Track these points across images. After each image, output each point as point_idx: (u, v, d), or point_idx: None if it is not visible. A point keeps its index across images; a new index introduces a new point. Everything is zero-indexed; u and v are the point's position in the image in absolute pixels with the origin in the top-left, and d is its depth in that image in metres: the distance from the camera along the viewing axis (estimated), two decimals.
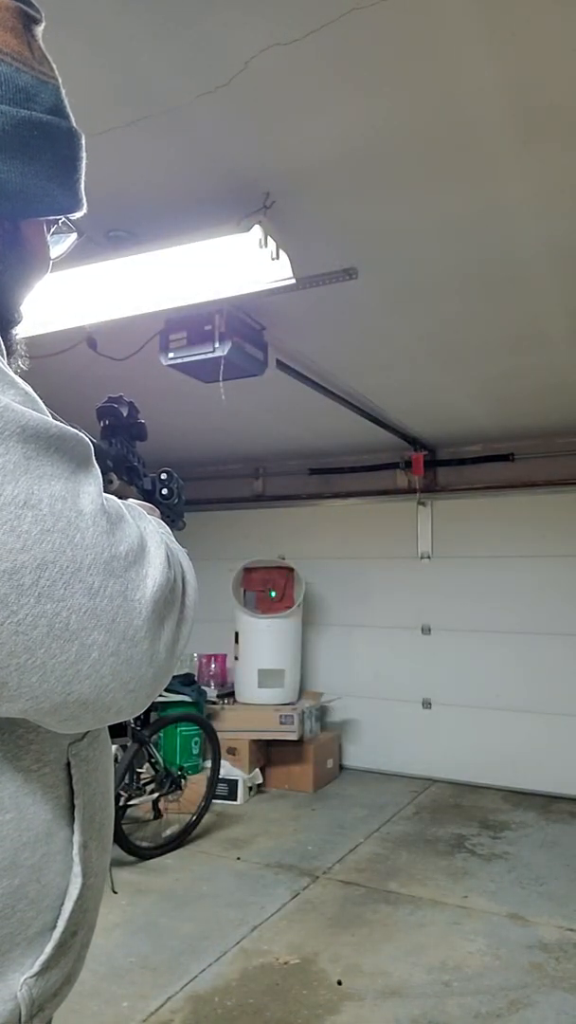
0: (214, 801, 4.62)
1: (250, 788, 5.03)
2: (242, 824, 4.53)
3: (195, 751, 4.92)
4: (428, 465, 5.50)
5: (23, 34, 0.72)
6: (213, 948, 3.00)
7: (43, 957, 0.66)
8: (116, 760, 3.75)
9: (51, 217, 0.79)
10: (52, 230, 0.83)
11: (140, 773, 4.06)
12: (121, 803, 3.86)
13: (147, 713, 4.43)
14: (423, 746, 5.53)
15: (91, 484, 0.60)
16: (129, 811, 4.08)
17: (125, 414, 0.99)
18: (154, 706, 4.68)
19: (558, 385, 4.02)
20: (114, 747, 3.69)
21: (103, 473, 0.71)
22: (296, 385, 3.80)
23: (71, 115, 0.76)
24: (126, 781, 3.89)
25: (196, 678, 5.49)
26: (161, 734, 4.59)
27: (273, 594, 5.66)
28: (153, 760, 4.08)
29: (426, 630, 5.65)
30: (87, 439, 0.63)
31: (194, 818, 4.29)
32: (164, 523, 0.80)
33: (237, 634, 5.52)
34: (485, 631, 5.43)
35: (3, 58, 0.70)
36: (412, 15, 1.50)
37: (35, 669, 0.55)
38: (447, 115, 1.80)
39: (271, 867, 3.86)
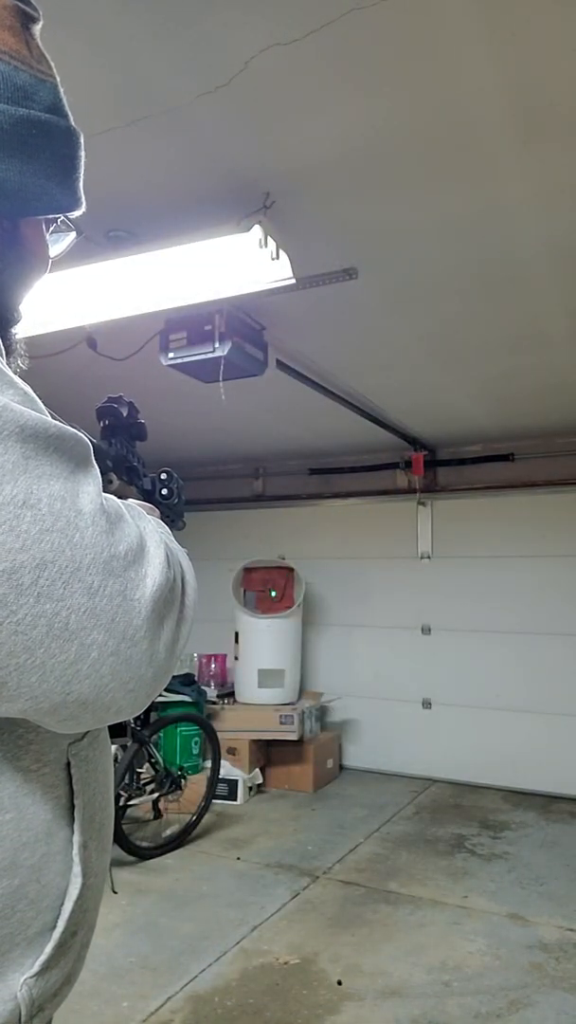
0: (214, 801, 4.62)
1: (250, 788, 5.03)
2: (242, 824, 4.53)
3: (195, 751, 4.92)
4: (428, 465, 5.50)
5: (21, 32, 0.72)
6: (213, 948, 3.00)
7: (43, 957, 0.66)
8: (116, 760, 3.75)
9: (50, 216, 0.79)
10: (51, 229, 0.83)
11: (140, 773, 4.06)
12: (121, 803, 3.86)
13: (147, 713, 4.43)
14: (423, 746, 5.53)
15: (90, 484, 0.60)
16: (129, 811, 4.08)
17: (125, 414, 0.99)
18: (154, 706, 4.68)
19: (558, 385, 4.02)
20: (114, 747, 3.69)
21: (102, 473, 0.72)
22: (296, 385, 3.80)
23: (69, 113, 0.76)
24: (126, 781, 3.89)
25: (196, 678, 5.49)
26: (161, 734, 4.59)
27: (274, 594, 5.66)
28: (153, 760, 4.08)
29: (426, 630, 5.65)
30: (86, 439, 0.63)
31: (194, 818, 4.29)
32: (164, 523, 0.80)
33: (237, 634, 5.52)
34: (485, 631, 5.43)
35: (1, 56, 0.70)
36: (412, 15, 1.50)
37: (34, 669, 0.55)
38: (447, 115, 1.80)
39: (271, 867, 3.86)
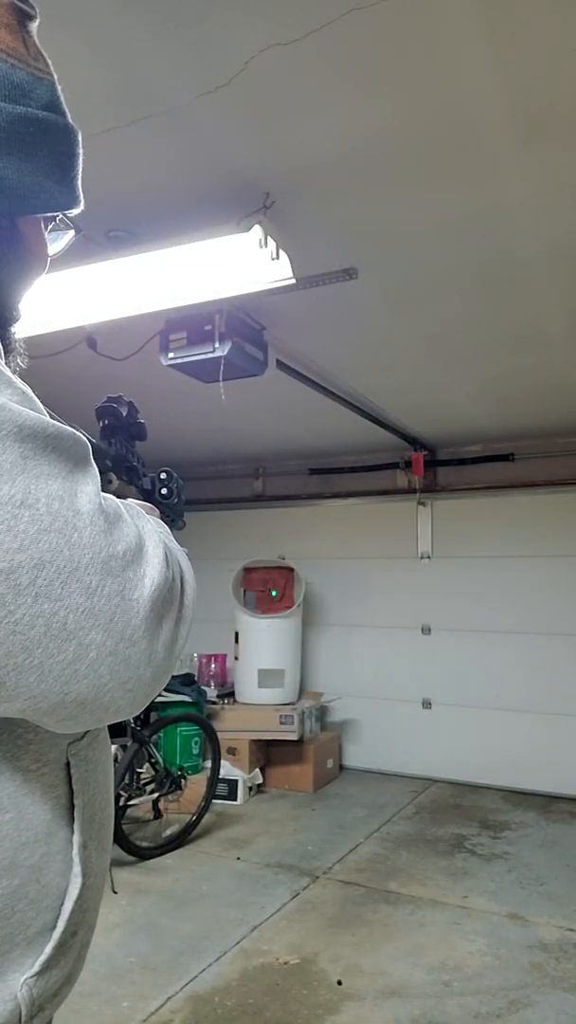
0: (214, 801, 4.62)
1: (250, 788, 5.03)
2: (242, 824, 4.53)
3: (195, 751, 4.92)
4: (428, 465, 5.50)
5: (18, 30, 0.72)
6: (213, 948, 3.00)
7: (43, 957, 0.66)
8: (116, 760, 3.75)
9: (48, 214, 0.78)
10: (50, 227, 0.82)
11: (140, 773, 4.06)
12: (121, 803, 3.86)
13: (147, 713, 4.43)
14: (423, 746, 5.53)
15: (89, 483, 0.60)
16: (129, 811, 4.08)
17: (124, 414, 0.98)
18: (154, 706, 4.69)
19: (558, 385, 4.02)
20: (114, 747, 3.69)
21: (102, 473, 0.71)
22: (296, 385, 3.80)
23: (67, 111, 0.76)
24: (126, 781, 3.89)
25: (196, 678, 5.49)
26: (161, 734, 4.59)
27: (275, 593, 5.65)
28: (153, 760, 4.08)
29: (426, 630, 5.65)
30: (85, 438, 0.63)
31: (194, 818, 4.28)
32: (164, 523, 0.80)
33: (237, 634, 5.52)
34: (485, 631, 5.43)
35: None
36: (412, 15, 1.50)
37: (33, 669, 0.55)
38: (447, 115, 1.80)
39: (271, 867, 3.86)
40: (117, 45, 1.59)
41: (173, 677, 4.92)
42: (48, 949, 0.67)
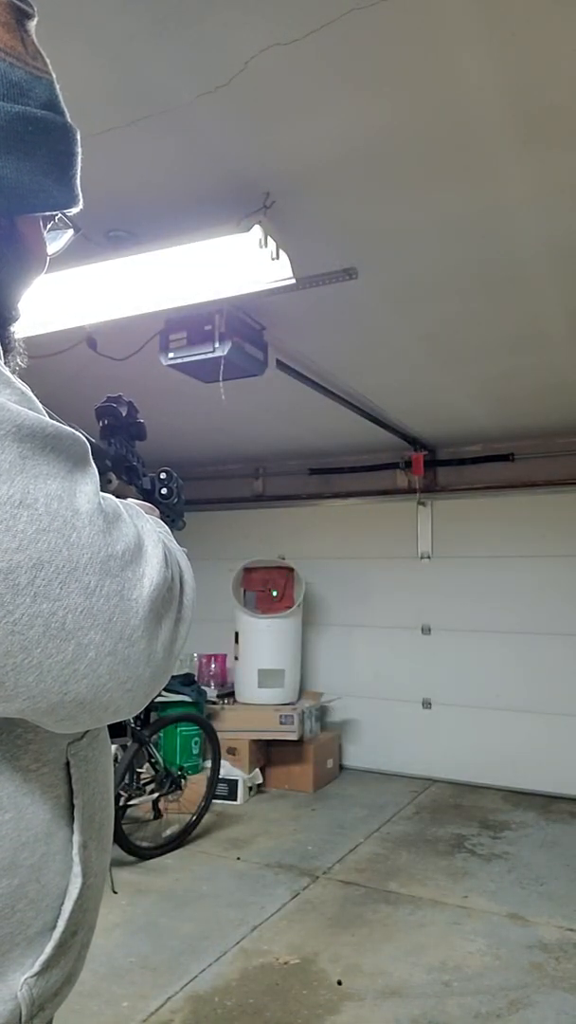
0: (214, 801, 4.62)
1: (250, 788, 5.03)
2: (242, 824, 4.53)
3: (195, 751, 4.92)
4: (428, 465, 5.50)
5: (16, 29, 0.72)
6: (213, 948, 3.00)
7: (43, 957, 0.66)
8: (116, 760, 3.75)
9: (47, 213, 0.78)
10: (49, 226, 0.82)
11: (140, 773, 4.06)
12: (121, 803, 3.86)
13: (147, 713, 4.43)
14: (423, 746, 5.53)
15: (88, 483, 0.60)
16: (129, 811, 4.08)
17: (124, 414, 0.98)
18: (154, 706, 4.69)
19: (558, 385, 4.02)
20: (114, 747, 3.69)
21: (101, 473, 0.71)
22: (296, 385, 3.80)
23: (66, 110, 0.76)
24: (126, 781, 3.89)
25: (196, 678, 5.49)
26: (161, 734, 4.59)
27: (275, 593, 5.65)
28: (153, 760, 4.08)
29: (426, 630, 5.64)
30: (84, 438, 0.63)
31: (194, 818, 4.28)
32: (164, 523, 0.80)
33: (237, 634, 5.52)
34: (485, 631, 5.43)
35: None
36: (412, 15, 1.50)
37: (32, 669, 0.55)
38: (447, 115, 1.80)
39: (271, 867, 3.86)
40: (117, 45, 1.59)
41: (173, 677, 4.93)
42: (48, 949, 0.67)
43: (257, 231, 2.12)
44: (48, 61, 0.75)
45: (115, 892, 3.48)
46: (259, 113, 1.81)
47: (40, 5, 0.75)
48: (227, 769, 4.88)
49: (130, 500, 0.78)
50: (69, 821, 0.70)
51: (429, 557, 5.67)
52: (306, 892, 3.56)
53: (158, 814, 4.20)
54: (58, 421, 0.62)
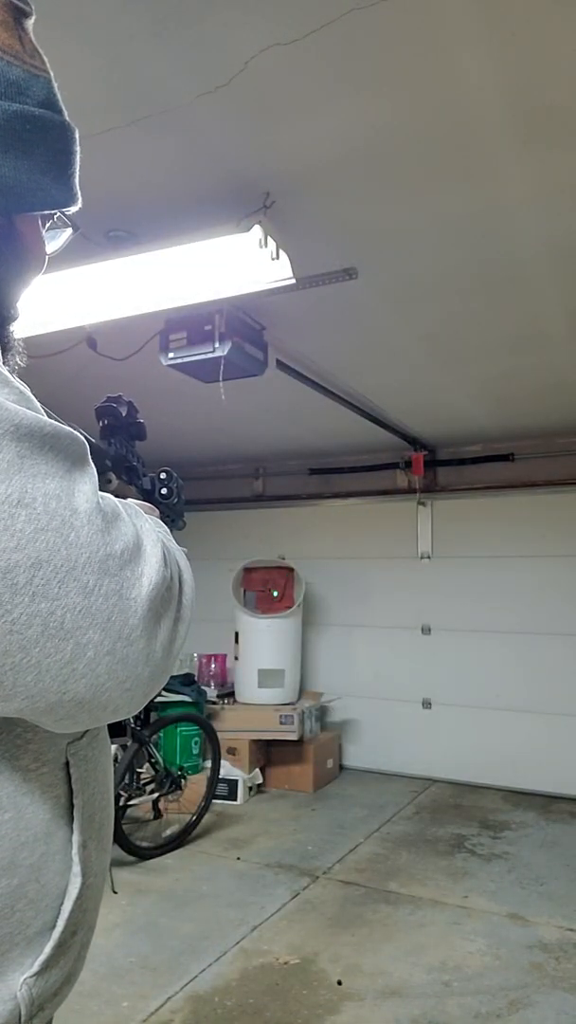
0: (214, 801, 4.62)
1: (250, 788, 5.03)
2: (242, 824, 4.53)
3: (195, 751, 4.92)
4: (428, 465, 5.50)
5: (14, 27, 0.71)
6: (213, 948, 3.00)
7: (43, 957, 0.66)
8: (116, 760, 3.75)
9: (46, 212, 0.78)
10: (47, 225, 0.82)
11: (140, 773, 4.06)
12: (121, 803, 3.86)
13: (147, 713, 4.43)
14: (423, 746, 5.53)
15: (86, 482, 0.60)
16: (129, 811, 4.08)
17: (124, 414, 0.99)
18: (154, 706, 4.69)
19: (558, 385, 4.02)
20: (114, 747, 3.69)
21: (101, 473, 0.71)
22: (296, 385, 3.80)
23: (64, 109, 0.75)
24: (126, 781, 3.89)
25: (196, 678, 5.49)
26: (161, 734, 4.59)
27: (276, 593, 5.65)
28: (153, 760, 4.08)
29: (426, 630, 5.64)
30: (82, 437, 0.63)
31: (194, 818, 4.28)
32: (163, 523, 0.80)
33: (237, 634, 5.52)
34: (485, 631, 5.43)
35: None
36: (412, 15, 1.50)
37: (30, 668, 0.55)
38: (447, 115, 1.80)
39: (271, 867, 3.86)
40: (117, 45, 1.59)
41: (173, 677, 4.93)
42: (48, 949, 0.67)
43: (257, 231, 2.12)
44: (46, 59, 0.75)
45: (115, 892, 3.48)
46: (259, 113, 1.81)
47: (40, 5, 0.75)
48: (227, 769, 4.88)
49: (130, 500, 0.78)
50: (69, 821, 0.70)
51: (429, 557, 5.67)
52: (306, 892, 3.56)
53: (158, 814, 4.20)
54: (57, 421, 0.62)
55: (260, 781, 5.15)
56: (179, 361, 2.89)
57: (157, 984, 2.73)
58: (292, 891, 3.56)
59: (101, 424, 0.98)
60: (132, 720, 3.86)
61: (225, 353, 2.79)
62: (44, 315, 2.62)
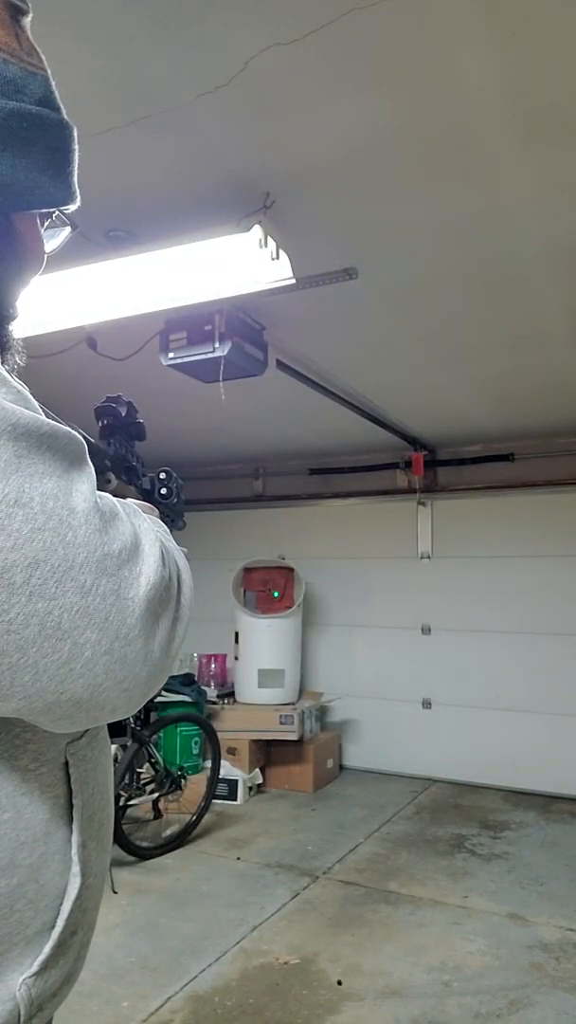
0: (214, 801, 4.62)
1: (250, 788, 5.03)
2: (242, 824, 4.53)
3: (195, 751, 4.92)
4: (428, 465, 5.50)
5: (11, 25, 0.71)
6: (213, 948, 3.00)
7: (42, 957, 0.66)
8: (116, 760, 3.75)
9: (44, 210, 0.78)
10: (46, 224, 0.82)
11: (140, 773, 4.06)
12: (121, 803, 3.86)
13: (147, 713, 4.43)
14: (423, 746, 5.53)
15: (84, 482, 0.60)
16: (129, 811, 4.08)
17: (124, 414, 0.98)
18: (154, 706, 4.69)
19: (558, 385, 4.02)
20: (114, 747, 3.69)
21: (100, 472, 0.71)
22: (296, 385, 3.80)
23: (62, 107, 0.75)
24: (126, 781, 3.89)
25: (196, 678, 5.49)
26: (161, 734, 4.59)
27: (276, 593, 5.65)
28: (153, 760, 4.08)
29: (426, 630, 5.64)
30: (80, 437, 0.63)
31: (194, 818, 4.28)
32: (163, 523, 0.80)
33: (237, 634, 5.52)
34: (485, 631, 5.43)
35: None
36: (412, 15, 1.50)
37: (27, 668, 0.55)
38: (447, 115, 1.80)
39: (271, 867, 3.86)
40: (117, 45, 1.59)
41: (173, 677, 4.93)
42: (47, 949, 0.67)
43: (257, 231, 2.12)
44: (43, 57, 0.74)
45: (115, 892, 3.48)
46: (259, 113, 1.81)
47: (40, 4, 0.75)
48: (227, 769, 4.88)
49: (129, 500, 0.78)
50: (68, 821, 0.69)
51: (429, 557, 5.66)
52: (306, 892, 3.56)
53: (158, 814, 4.20)
54: (55, 420, 0.62)
55: (260, 781, 5.15)
56: (179, 361, 2.89)
57: (157, 984, 2.73)
58: (292, 891, 3.56)
59: (100, 424, 0.98)
60: (132, 720, 3.86)
61: (225, 353, 2.79)
62: (44, 315, 2.62)
